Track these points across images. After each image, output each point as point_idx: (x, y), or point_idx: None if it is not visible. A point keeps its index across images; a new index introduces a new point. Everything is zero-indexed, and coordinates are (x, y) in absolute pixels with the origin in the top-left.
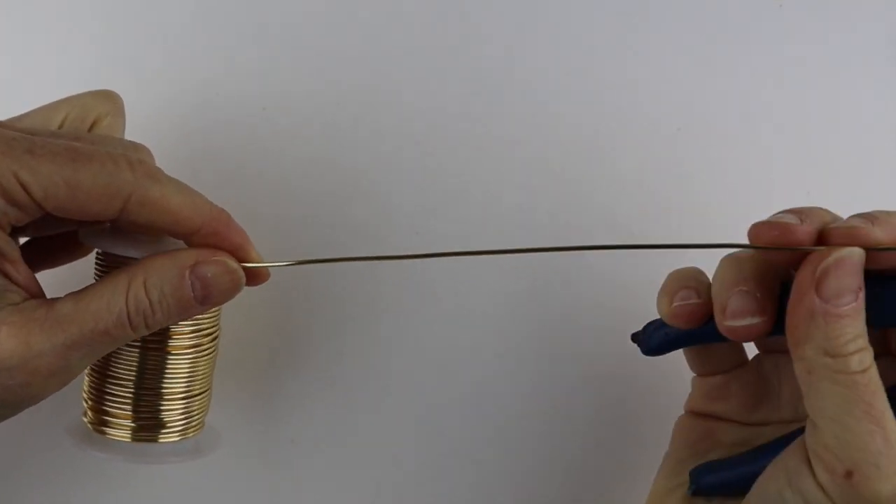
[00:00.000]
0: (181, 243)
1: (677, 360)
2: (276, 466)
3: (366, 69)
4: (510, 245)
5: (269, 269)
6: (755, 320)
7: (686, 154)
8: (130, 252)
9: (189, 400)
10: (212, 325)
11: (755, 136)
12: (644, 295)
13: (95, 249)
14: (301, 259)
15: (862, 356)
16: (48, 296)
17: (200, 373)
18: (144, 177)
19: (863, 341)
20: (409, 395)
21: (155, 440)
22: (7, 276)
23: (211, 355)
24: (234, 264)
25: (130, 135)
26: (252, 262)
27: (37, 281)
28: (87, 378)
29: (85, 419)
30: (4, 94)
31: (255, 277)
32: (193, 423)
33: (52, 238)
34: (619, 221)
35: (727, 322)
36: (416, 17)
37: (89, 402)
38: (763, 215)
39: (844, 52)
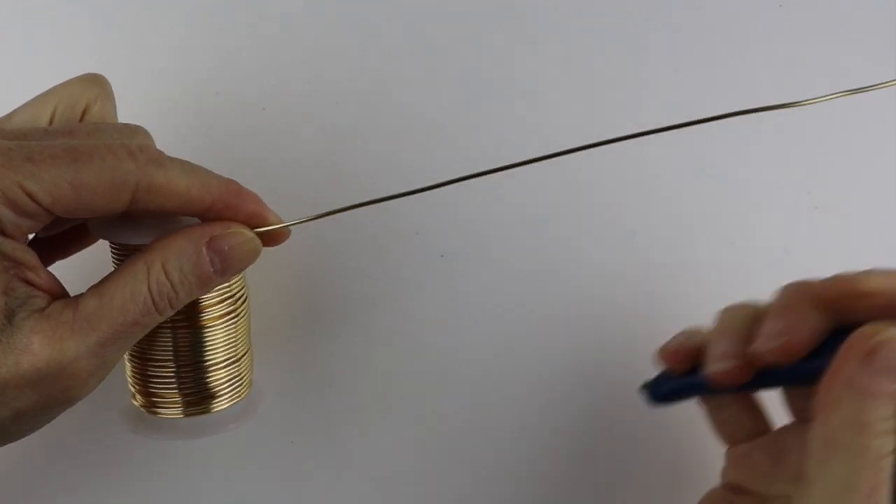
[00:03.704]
0: (194, 220)
1: None
2: (277, 466)
3: (366, 69)
4: (510, 246)
5: (290, 229)
6: (724, 365)
7: (686, 154)
8: (146, 240)
9: (233, 366)
10: (240, 287)
11: (755, 137)
12: (646, 292)
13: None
14: (314, 214)
15: (885, 440)
16: (66, 283)
17: (240, 336)
18: (148, 163)
19: (890, 425)
20: (409, 394)
21: (208, 411)
22: (30, 283)
23: (245, 317)
24: (249, 233)
25: None
26: (269, 225)
27: (57, 280)
28: (128, 364)
29: (135, 402)
30: (4, 94)
31: (274, 238)
32: (243, 385)
33: (63, 231)
34: (620, 221)
35: (706, 369)
36: (416, 17)
37: (136, 387)
38: (763, 215)
39: (844, 53)
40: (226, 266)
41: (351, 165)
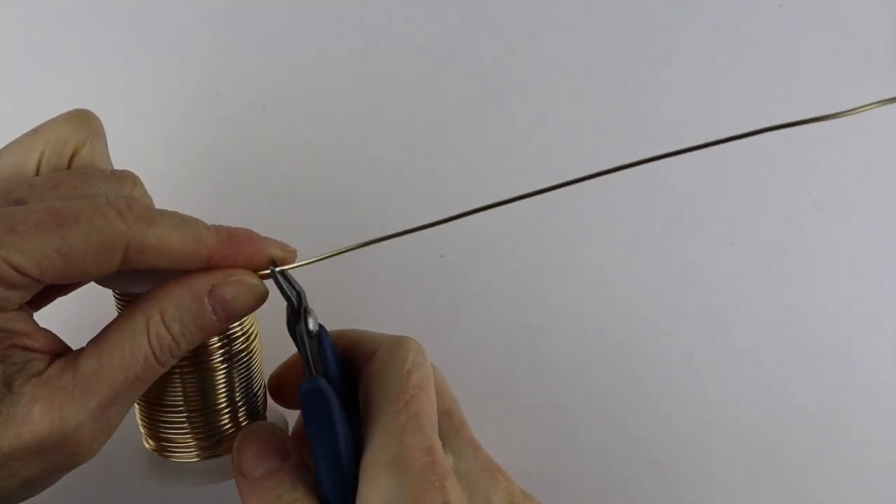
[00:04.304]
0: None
1: (679, 363)
2: None
3: (366, 69)
4: (510, 246)
5: (294, 250)
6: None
7: (686, 154)
8: (147, 288)
9: (246, 405)
10: (250, 324)
11: (755, 137)
12: (646, 292)
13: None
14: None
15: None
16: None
17: (253, 374)
18: (137, 222)
19: (291, 495)
20: None
21: (223, 454)
22: (27, 349)
23: (256, 353)
24: (252, 280)
25: (132, 136)
26: (270, 258)
27: (55, 337)
28: (137, 407)
29: (147, 445)
30: (5, 94)
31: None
32: (260, 419)
33: None
34: (621, 221)
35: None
36: (415, 17)
37: (146, 430)
38: (763, 215)
39: (844, 52)
40: (229, 314)
41: (350, 165)
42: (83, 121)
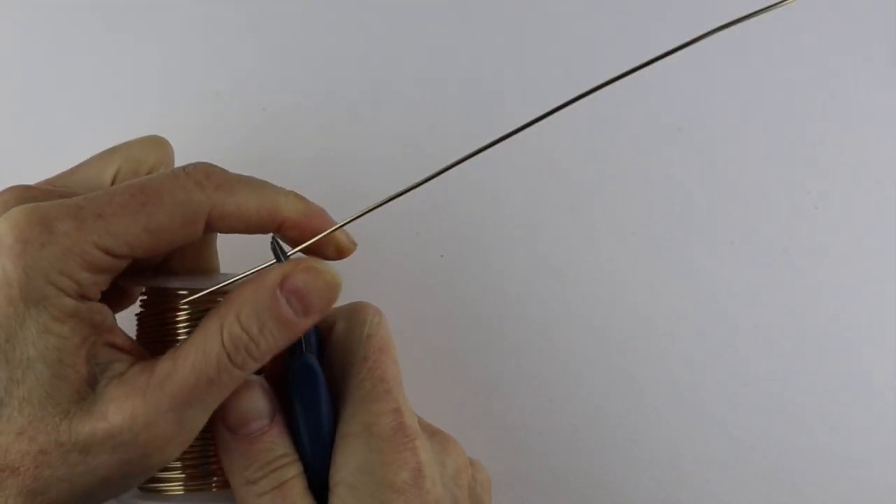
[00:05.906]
0: (234, 274)
1: (679, 363)
2: None
3: (366, 69)
4: (510, 246)
5: (355, 244)
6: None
7: (686, 154)
8: (183, 283)
9: None
10: None
11: (755, 136)
12: (646, 292)
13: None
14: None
15: (277, 475)
16: None
17: None
18: (217, 191)
19: (281, 461)
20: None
21: (210, 488)
22: (114, 346)
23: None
24: (322, 265)
25: (132, 137)
26: (337, 241)
27: (134, 341)
28: None
29: None
30: (5, 94)
31: (341, 252)
32: None
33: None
34: (621, 220)
35: None
36: (416, 17)
37: None
38: (763, 215)
39: (844, 53)
40: (306, 306)
41: (351, 165)
42: (158, 145)
